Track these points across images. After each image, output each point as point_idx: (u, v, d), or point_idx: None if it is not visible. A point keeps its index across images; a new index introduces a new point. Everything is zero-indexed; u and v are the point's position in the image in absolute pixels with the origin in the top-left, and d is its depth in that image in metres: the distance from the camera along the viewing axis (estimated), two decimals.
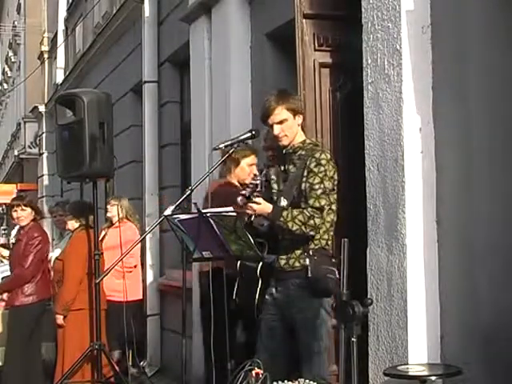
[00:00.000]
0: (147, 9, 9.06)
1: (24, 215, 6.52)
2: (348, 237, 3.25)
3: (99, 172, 5.73)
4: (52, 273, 6.62)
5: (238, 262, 4.10)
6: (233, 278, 4.19)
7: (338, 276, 3.80)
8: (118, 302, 6.38)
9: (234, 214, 3.76)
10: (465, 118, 3.98)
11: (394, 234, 4.16)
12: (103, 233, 7.16)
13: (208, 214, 3.81)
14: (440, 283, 4.09)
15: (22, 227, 6.65)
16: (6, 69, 32.28)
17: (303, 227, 3.86)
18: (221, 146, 4.18)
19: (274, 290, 4.01)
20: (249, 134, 4.15)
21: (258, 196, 3.85)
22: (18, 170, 25.84)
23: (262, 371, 3.41)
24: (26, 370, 6.32)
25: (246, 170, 5.19)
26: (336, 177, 4.00)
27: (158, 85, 9.06)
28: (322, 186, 3.92)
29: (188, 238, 4.00)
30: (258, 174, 4.10)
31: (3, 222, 29.05)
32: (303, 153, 4.02)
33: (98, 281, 5.43)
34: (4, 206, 25.88)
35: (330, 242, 4.00)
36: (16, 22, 27.41)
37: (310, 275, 3.88)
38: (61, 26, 15.67)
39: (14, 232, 10.40)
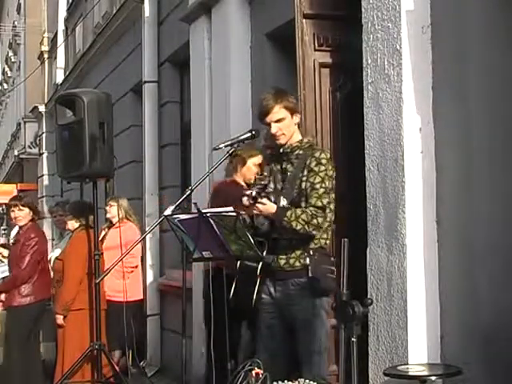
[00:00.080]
0: (147, 9, 9.05)
1: (22, 215, 6.51)
2: (348, 237, 3.25)
3: (99, 172, 5.72)
4: (52, 273, 6.62)
5: (238, 262, 4.10)
6: (233, 278, 4.19)
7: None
8: (118, 302, 6.38)
9: (234, 214, 3.75)
10: (465, 118, 3.98)
11: (394, 233, 4.15)
12: (103, 233, 7.17)
13: (208, 214, 3.80)
14: (440, 283, 4.08)
15: (21, 227, 6.65)
16: (6, 69, 32.26)
17: (306, 226, 3.85)
18: (221, 146, 4.17)
19: (272, 289, 3.99)
20: (249, 134, 4.14)
21: (266, 196, 3.83)
22: (17, 170, 25.81)
23: (261, 371, 3.41)
24: (26, 370, 6.32)
25: (253, 169, 5.18)
26: (334, 176, 4.00)
27: (158, 85, 9.06)
28: (323, 185, 3.91)
29: (188, 238, 3.99)
30: (266, 174, 4.07)
31: (3, 222, 28.99)
32: (301, 152, 4.02)
33: (98, 281, 5.43)
34: (4, 206, 25.84)
35: (328, 242, 4.00)
36: (16, 22, 27.39)
37: (310, 275, 3.88)
38: (61, 26, 15.66)
39: (13, 232, 10.40)
